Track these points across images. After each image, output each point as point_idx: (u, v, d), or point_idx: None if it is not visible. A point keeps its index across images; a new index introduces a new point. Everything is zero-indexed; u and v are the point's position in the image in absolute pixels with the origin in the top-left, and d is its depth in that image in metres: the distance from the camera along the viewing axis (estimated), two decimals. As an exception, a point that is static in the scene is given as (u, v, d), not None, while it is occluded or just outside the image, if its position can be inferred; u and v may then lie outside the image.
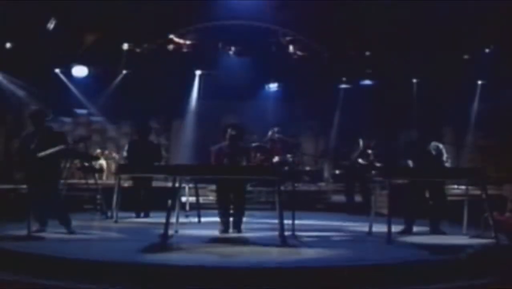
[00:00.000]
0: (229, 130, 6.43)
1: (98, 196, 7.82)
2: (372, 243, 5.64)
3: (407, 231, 6.28)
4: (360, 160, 8.83)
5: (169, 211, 5.71)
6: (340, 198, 9.66)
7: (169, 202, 5.83)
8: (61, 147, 5.91)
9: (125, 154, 7.86)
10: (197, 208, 7.45)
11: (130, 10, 10.38)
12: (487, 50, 12.12)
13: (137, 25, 10.97)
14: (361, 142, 8.97)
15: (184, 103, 13.63)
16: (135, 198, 7.83)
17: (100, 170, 11.74)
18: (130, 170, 7.45)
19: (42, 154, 5.82)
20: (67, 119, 13.36)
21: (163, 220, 5.71)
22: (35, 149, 5.92)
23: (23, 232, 5.57)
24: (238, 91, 12.90)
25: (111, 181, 11.23)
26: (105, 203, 7.69)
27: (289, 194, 7.34)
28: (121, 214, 7.31)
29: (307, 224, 7.11)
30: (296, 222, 6.04)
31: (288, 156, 9.91)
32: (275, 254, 5.06)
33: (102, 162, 12.65)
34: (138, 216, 7.80)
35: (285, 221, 5.78)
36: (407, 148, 6.71)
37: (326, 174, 12.49)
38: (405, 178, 6.10)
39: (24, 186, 6.30)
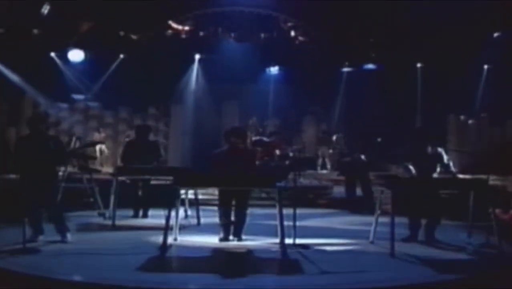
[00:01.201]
0: (231, 136, 6.19)
1: (95, 191, 7.71)
2: (375, 257, 5.50)
3: (413, 239, 6.15)
4: (362, 156, 8.65)
5: (167, 221, 5.57)
6: (341, 190, 9.54)
7: (167, 212, 5.66)
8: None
9: (122, 150, 7.71)
10: (196, 205, 7.30)
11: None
12: (495, 35, 11.78)
13: (137, 11, 10.61)
14: (361, 142, 8.79)
15: (183, 88, 13.37)
16: (133, 196, 7.70)
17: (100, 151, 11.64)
18: (129, 172, 7.29)
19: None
20: (64, 105, 13.15)
21: (162, 222, 5.62)
22: (31, 153, 5.75)
23: (19, 239, 5.41)
24: (239, 75, 12.66)
25: (109, 169, 11.14)
26: (102, 202, 7.57)
27: (291, 191, 7.26)
28: (118, 212, 7.19)
29: (309, 226, 7.00)
30: (298, 223, 5.90)
31: (289, 148, 9.74)
32: (276, 271, 4.93)
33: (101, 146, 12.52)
34: (136, 215, 7.69)
35: (286, 223, 5.66)
36: (406, 151, 6.52)
37: (326, 162, 12.36)
38: (409, 187, 5.91)
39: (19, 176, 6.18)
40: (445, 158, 6.28)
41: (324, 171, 12.01)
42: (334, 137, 9.38)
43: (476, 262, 5.33)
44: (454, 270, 4.92)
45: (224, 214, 6.15)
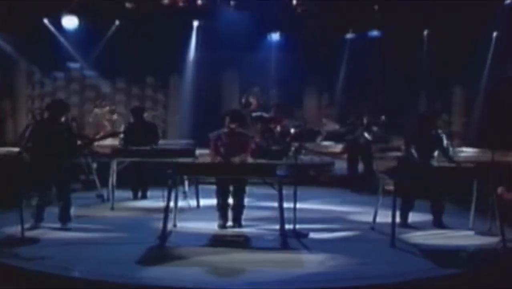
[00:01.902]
0: (227, 119, 6.05)
1: (94, 170, 7.65)
2: (375, 247, 5.44)
3: (404, 224, 6.13)
4: (366, 134, 8.49)
5: (166, 210, 5.50)
6: (343, 166, 9.48)
7: (166, 193, 5.59)
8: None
9: (122, 136, 7.60)
10: (196, 187, 7.22)
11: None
12: (508, 1, 11.33)
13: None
14: (365, 119, 8.59)
15: (182, 57, 13.01)
16: (131, 176, 7.63)
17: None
18: (127, 155, 7.19)
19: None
20: (59, 74, 12.86)
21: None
22: (42, 140, 5.72)
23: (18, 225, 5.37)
24: (238, 42, 12.26)
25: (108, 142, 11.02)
26: (101, 180, 7.50)
27: (292, 170, 7.17)
28: (117, 193, 7.14)
29: (309, 209, 6.93)
30: (298, 205, 5.80)
31: (290, 124, 9.60)
32: (275, 265, 4.84)
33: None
34: (135, 197, 7.66)
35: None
36: (408, 137, 6.41)
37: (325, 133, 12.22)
38: (413, 176, 5.82)
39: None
40: (445, 142, 6.23)
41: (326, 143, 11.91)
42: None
43: (477, 253, 5.27)
44: (454, 263, 4.87)
45: (222, 200, 6.08)
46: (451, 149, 6.31)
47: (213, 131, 6.23)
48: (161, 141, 8.71)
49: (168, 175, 5.64)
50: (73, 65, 12.86)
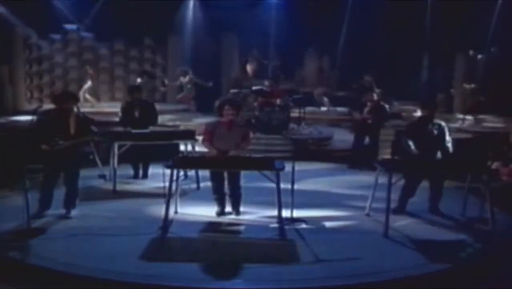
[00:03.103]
0: (226, 108, 6.02)
1: (94, 151, 7.72)
2: (368, 238, 5.60)
3: (400, 210, 6.25)
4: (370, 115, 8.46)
5: (167, 202, 5.63)
6: (341, 138, 9.55)
7: (166, 180, 5.71)
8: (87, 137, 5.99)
9: (119, 114, 7.60)
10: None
11: None
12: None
13: None
14: (375, 95, 8.51)
15: (180, 17, 12.70)
16: (132, 154, 7.70)
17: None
18: (128, 138, 7.22)
19: (64, 144, 5.74)
20: (56, 36, 12.61)
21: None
22: (56, 132, 5.75)
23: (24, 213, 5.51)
24: (237, 3, 11.98)
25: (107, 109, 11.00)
26: (101, 160, 7.59)
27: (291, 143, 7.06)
28: (118, 171, 7.25)
29: (306, 191, 7.06)
30: (296, 186, 5.95)
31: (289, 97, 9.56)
32: (271, 261, 4.98)
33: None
34: (136, 175, 7.78)
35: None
36: (408, 127, 6.40)
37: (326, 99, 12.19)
38: (408, 170, 5.89)
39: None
40: (447, 137, 6.18)
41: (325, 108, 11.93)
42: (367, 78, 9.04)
43: (467, 246, 5.43)
44: (444, 259, 5.03)
45: (217, 187, 6.13)
46: (450, 144, 6.22)
47: (210, 119, 6.24)
48: (159, 107, 8.67)
49: (168, 166, 5.72)
50: (69, 27, 12.60)
